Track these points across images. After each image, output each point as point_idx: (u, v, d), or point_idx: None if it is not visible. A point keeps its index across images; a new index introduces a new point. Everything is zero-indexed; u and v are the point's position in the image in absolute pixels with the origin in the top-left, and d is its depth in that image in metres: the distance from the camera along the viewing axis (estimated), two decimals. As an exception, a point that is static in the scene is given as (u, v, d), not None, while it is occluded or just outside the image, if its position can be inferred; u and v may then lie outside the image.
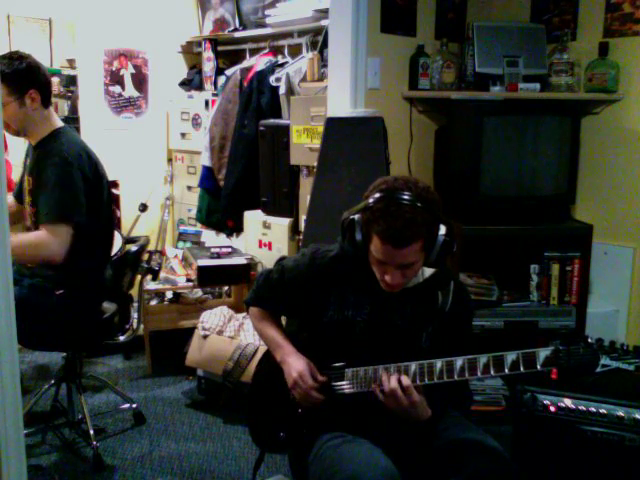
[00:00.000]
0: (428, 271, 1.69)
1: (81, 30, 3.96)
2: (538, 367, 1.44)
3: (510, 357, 1.47)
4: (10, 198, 2.71)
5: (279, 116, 3.49)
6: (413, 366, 1.56)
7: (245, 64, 3.83)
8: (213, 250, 3.51)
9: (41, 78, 2.42)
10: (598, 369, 1.41)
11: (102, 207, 2.50)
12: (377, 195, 1.54)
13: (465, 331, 1.77)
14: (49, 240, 2.28)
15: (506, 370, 1.47)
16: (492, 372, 1.49)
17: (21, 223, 2.59)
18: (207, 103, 4.07)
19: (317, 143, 2.87)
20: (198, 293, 3.70)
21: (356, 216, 1.58)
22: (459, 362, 1.51)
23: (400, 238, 1.50)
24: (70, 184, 2.32)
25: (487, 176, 2.64)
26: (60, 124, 2.50)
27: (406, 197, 1.51)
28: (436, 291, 1.69)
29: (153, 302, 3.68)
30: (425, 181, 1.62)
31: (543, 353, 1.44)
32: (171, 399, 3.17)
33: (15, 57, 2.37)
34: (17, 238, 2.30)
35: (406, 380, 1.54)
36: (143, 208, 4.02)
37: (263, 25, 3.71)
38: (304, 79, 3.30)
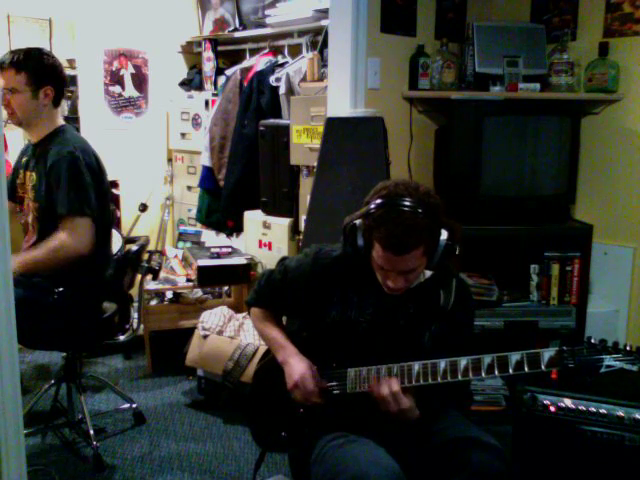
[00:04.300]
0: (429, 271, 1.69)
1: (81, 30, 3.96)
2: (542, 367, 1.44)
3: (514, 357, 1.47)
4: None
5: (279, 116, 3.49)
6: (416, 366, 1.56)
7: (245, 64, 3.84)
8: (213, 250, 3.51)
9: (60, 79, 2.52)
10: (601, 370, 1.41)
11: (105, 205, 2.53)
12: (378, 201, 1.54)
13: (467, 329, 1.77)
14: (71, 237, 2.35)
15: (510, 370, 1.46)
16: (496, 372, 1.48)
17: (13, 223, 2.59)
18: (207, 103, 4.07)
19: (317, 143, 2.87)
20: (198, 293, 3.69)
21: (357, 221, 1.58)
22: (463, 362, 1.51)
23: (401, 245, 1.50)
24: (80, 180, 2.39)
25: (487, 176, 2.64)
26: (62, 122, 2.57)
27: (407, 203, 1.51)
28: (438, 290, 1.69)
29: (153, 302, 3.68)
30: (426, 184, 1.61)
31: (547, 354, 1.44)
32: (171, 399, 3.16)
33: (43, 52, 2.50)
34: (40, 251, 2.36)
35: (395, 386, 1.55)
36: (143, 208, 4.02)
37: (263, 25, 3.71)
38: (304, 79, 3.30)
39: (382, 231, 1.50)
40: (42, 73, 2.44)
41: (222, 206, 3.75)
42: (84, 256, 2.38)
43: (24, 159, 2.57)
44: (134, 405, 2.94)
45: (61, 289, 2.43)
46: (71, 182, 2.36)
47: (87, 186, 2.40)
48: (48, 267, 2.38)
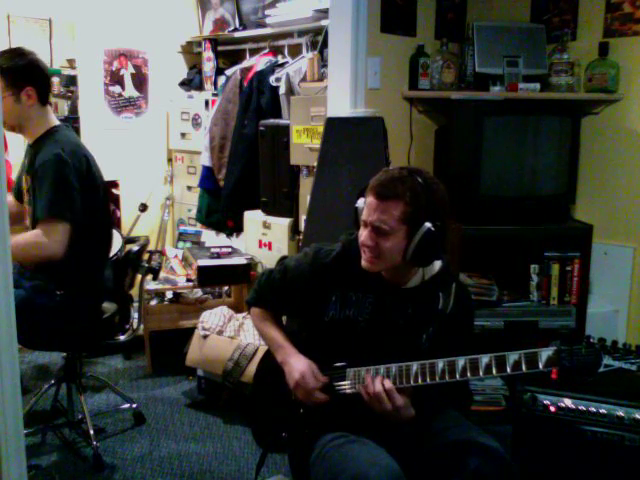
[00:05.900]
0: (429, 272, 1.69)
1: (81, 30, 3.96)
2: (540, 367, 1.43)
3: (512, 357, 1.46)
4: (10, 198, 2.71)
5: (279, 116, 3.49)
6: (415, 366, 1.56)
7: (245, 64, 3.84)
8: (213, 250, 3.51)
9: (40, 76, 2.41)
10: (600, 369, 1.41)
11: (98, 206, 2.49)
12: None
13: (466, 333, 1.77)
14: (45, 239, 2.29)
15: (508, 370, 1.46)
16: (494, 372, 1.48)
17: (22, 224, 2.59)
18: (207, 103, 4.07)
19: (317, 143, 2.87)
20: (198, 293, 3.70)
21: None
22: (461, 362, 1.51)
23: (384, 189, 1.56)
24: (64, 183, 2.33)
25: (487, 176, 2.64)
26: (56, 122, 2.50)
27: (409, 172, 1.59)
28: (437, 292, 1.69)
29: (153, 302, 3.68)
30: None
31: (545, 353, 1.43)
32: (171, 399, 3.17)
33: (17, 53, 2.38)
34: (14, 239, 2.28)
35: (388, 383, 1.55)
36: (143, 208, 4.02)
37: (263, 25, 3.72)
38: (304, 79, 3.30)
39: (374, 179, 1.61)
40: (18, 75, 2.34)
41: (222, 206, 3.76)
42: (55, 259, 2.31)
43: (25, 162, 2.54)
44: (134, 405, 2.95)
45: (61, 292, 2.43)
46: (55, 186, 2.30)
47: (72, 190, 2.33)
48: (16, 258, 2.29)
